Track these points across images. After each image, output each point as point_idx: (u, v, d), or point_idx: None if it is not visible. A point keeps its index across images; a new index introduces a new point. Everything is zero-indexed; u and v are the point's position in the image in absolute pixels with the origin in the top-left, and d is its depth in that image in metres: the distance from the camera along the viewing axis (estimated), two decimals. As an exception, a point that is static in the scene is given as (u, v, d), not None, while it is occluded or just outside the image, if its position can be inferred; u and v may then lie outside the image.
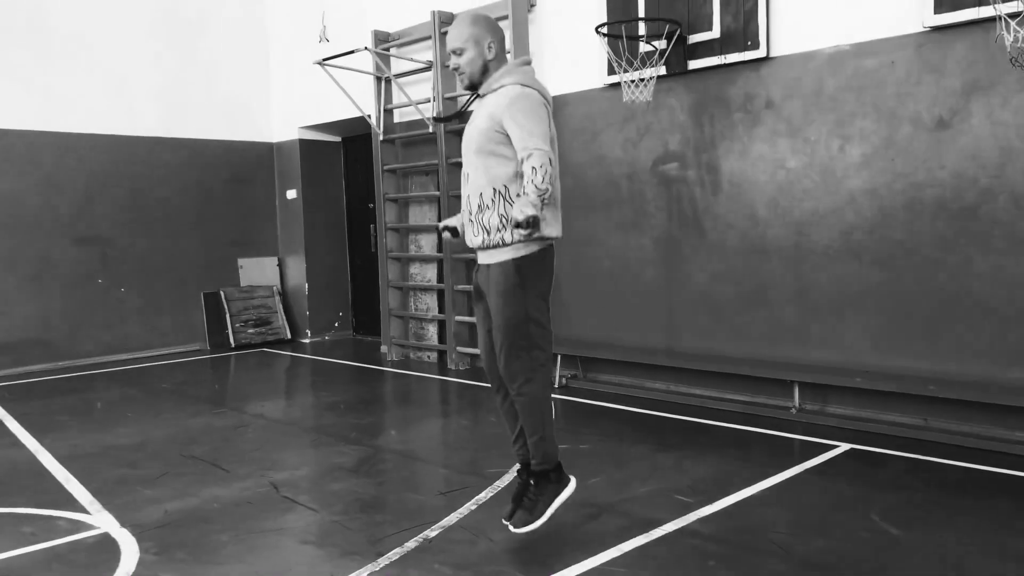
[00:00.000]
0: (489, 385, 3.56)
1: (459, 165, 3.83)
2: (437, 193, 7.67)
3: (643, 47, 5.83)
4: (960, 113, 4.70)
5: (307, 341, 9.60)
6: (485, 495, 3.95)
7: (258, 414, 5.95)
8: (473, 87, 3.30)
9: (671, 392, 6.04)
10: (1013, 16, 4.14)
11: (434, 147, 7.58)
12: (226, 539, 3.53)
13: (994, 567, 3.05)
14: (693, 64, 5.73)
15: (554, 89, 6.67)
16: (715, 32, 5.57)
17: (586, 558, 3.19)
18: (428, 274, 8.08)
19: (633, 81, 5.69)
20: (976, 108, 4.64)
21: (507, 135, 3.10)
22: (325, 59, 7.59)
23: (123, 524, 3.72)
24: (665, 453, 4.65)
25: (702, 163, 5.84)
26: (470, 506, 3.81)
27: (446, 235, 3.50)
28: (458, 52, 3.23)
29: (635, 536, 3.39)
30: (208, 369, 8.12)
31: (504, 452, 4.37)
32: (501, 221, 3.14)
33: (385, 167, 8.16)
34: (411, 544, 3.38)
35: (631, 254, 6.31)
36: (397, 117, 8.18)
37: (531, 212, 2.84)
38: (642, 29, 5.85)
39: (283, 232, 9.91)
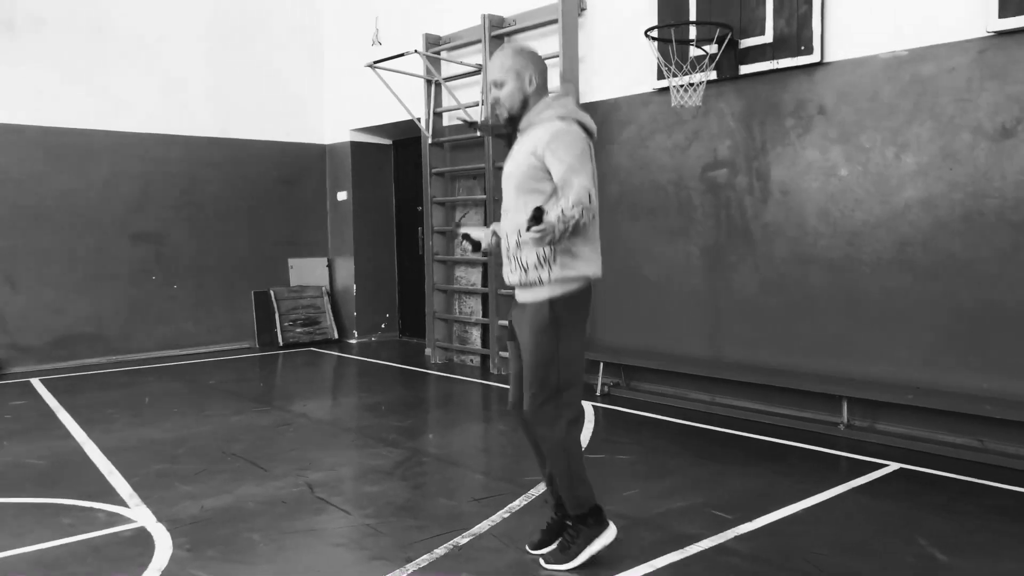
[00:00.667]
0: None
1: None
2: (483, 197, 7.66)
3: (693, 51, 5.73)
4: (1024, 121, 4.50)
5: (354, 342, 9.67)
6: (519, 503, 3.91)
7: (301, 413, 6.00)
8: (512, 121, 3.17)
9: (714, 403, 5.91)
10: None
11: (482, 151, 7.57)
12: (258, 538, 3.55)
13: (1049, 600, 2.89)
14: (744, 69, 5.61)
15: (603, 93, 6.61)
16: (767, 36, 5.45)
17: (618, 572, 3.12)
18: (473, 278, 8.07)
19: (683, 86, 5.59)
20: (1042, 116, 4.44)
21: (548, 171, 3.00)
22: (376, 62, 7.64)
23: (159, 519, 3.77)
24: (705, 466, 4.54)
25: (752, 170, 5.71)
26: (503, 514, 3.77)
27: (464, 244, 3.32)
28: (498, 84, 3.12)
29: (669, 552, 3.31)
30: (255, 367, 8.23)
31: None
32: (539, 259, 3.03)
33: (433, 170, 8.18)
34: (440, 551, 3.35)
35: (677, 261, 6.20)
36: (446, 120, 8.20)
37: (549, 218, 2.79)
38: (693, 33, 5.75)
39: (333, 233, 10.01)
